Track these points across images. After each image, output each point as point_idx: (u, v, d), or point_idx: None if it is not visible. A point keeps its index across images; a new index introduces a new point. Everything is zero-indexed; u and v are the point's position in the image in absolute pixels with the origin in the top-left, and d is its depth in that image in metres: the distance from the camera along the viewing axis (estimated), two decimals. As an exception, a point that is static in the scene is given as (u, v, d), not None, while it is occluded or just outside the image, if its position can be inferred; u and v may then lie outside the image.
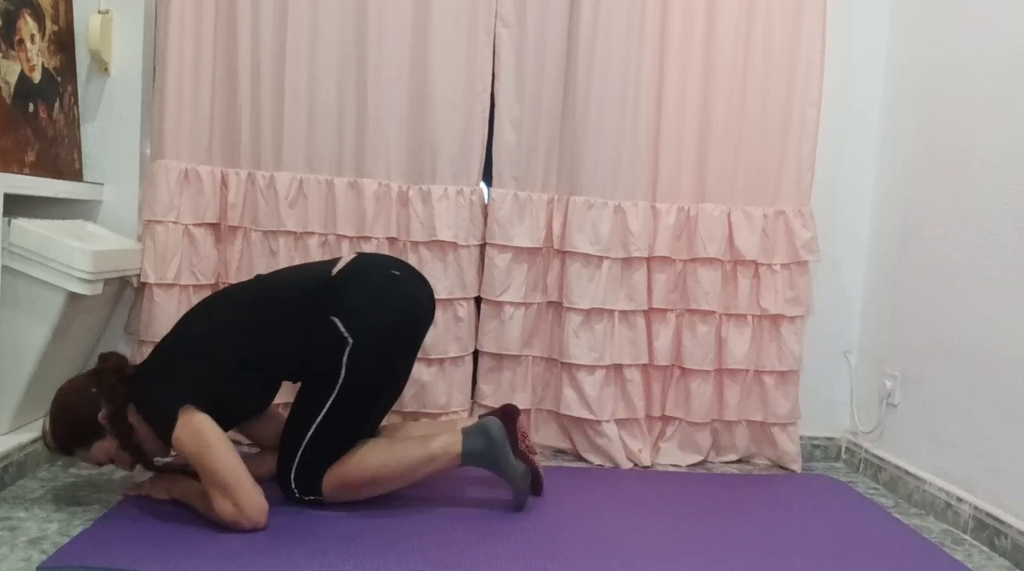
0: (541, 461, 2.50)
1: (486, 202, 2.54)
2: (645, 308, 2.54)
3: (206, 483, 1.75)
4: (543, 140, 2.52)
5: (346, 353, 1.83)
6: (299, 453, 1.88)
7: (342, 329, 1.83)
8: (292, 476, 1.89)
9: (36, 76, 2.15)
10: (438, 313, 2.36)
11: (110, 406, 1.81)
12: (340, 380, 1.83)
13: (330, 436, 1.88)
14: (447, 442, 1.92)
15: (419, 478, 1.94)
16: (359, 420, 1.93)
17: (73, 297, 2.04)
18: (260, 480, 1.81)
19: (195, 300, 2.40)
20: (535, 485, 2.08)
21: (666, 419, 2.62)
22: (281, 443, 1.93)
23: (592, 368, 2.49)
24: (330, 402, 1.85)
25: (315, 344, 1.85)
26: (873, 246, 2.68)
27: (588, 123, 2.47)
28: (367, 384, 1.89)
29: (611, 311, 2.50)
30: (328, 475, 1.88)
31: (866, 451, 2.61)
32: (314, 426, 1.86)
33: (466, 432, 1.93)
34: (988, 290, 2.11)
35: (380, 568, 1.63)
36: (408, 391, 2.42)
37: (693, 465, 2.57)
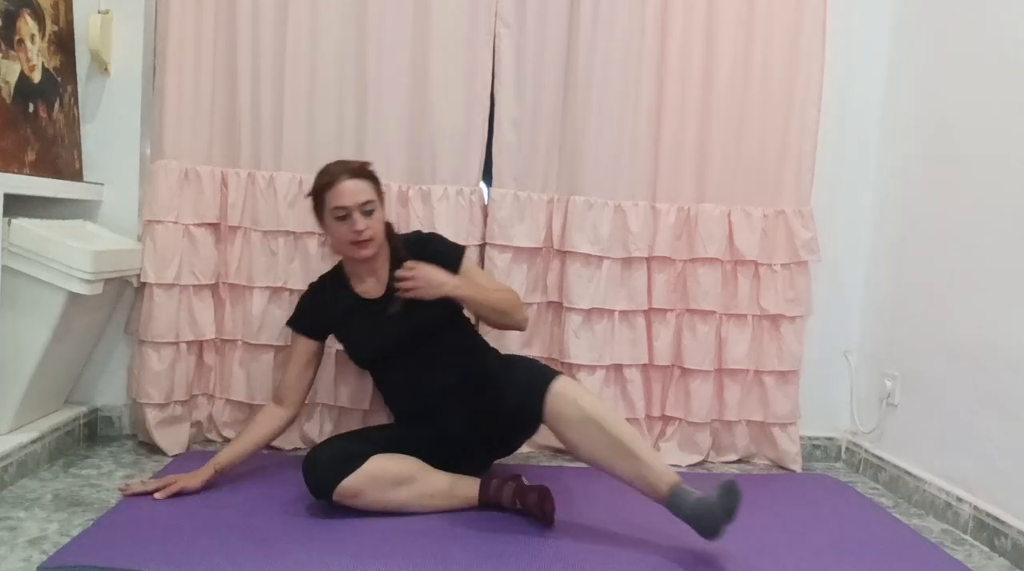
0: (542, 461, 2.51)
1: (486, 202, 2.54)
2: (645, 308, 2.54)
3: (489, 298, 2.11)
4: (543, 140, 2.51)
5: None
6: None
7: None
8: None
9: (36, 76, 2.15)
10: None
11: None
12: None
13: None
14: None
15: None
16: None
17: (73, 297, 2.04)
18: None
19: (195, 300, 2.40)
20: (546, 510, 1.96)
21: (666, 419, 2.63)
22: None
23: (592, 368, 2.49)
24: None
25: None
26: (873, 246, 2.68)
27: (588, 123, 2.47)
28: None
29: (611, 311, 2.50)
30: None
31: (866, 451, 2.61)
32: None
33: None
34: (988, 290, 2.11)
35: (382, 568, 1.63)
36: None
37: (693, 465, 2.57)
